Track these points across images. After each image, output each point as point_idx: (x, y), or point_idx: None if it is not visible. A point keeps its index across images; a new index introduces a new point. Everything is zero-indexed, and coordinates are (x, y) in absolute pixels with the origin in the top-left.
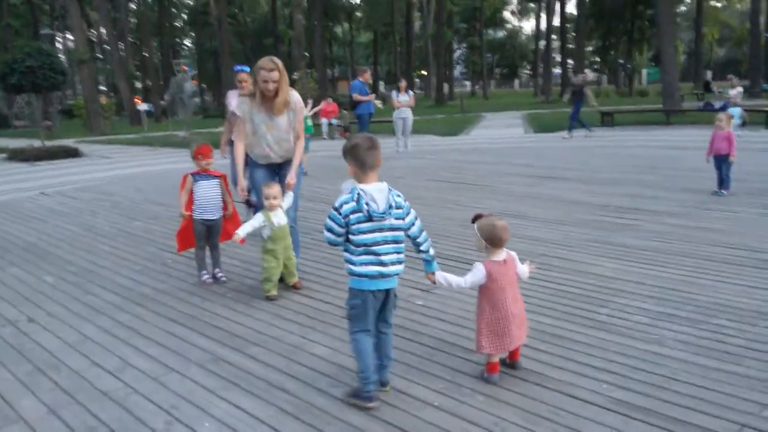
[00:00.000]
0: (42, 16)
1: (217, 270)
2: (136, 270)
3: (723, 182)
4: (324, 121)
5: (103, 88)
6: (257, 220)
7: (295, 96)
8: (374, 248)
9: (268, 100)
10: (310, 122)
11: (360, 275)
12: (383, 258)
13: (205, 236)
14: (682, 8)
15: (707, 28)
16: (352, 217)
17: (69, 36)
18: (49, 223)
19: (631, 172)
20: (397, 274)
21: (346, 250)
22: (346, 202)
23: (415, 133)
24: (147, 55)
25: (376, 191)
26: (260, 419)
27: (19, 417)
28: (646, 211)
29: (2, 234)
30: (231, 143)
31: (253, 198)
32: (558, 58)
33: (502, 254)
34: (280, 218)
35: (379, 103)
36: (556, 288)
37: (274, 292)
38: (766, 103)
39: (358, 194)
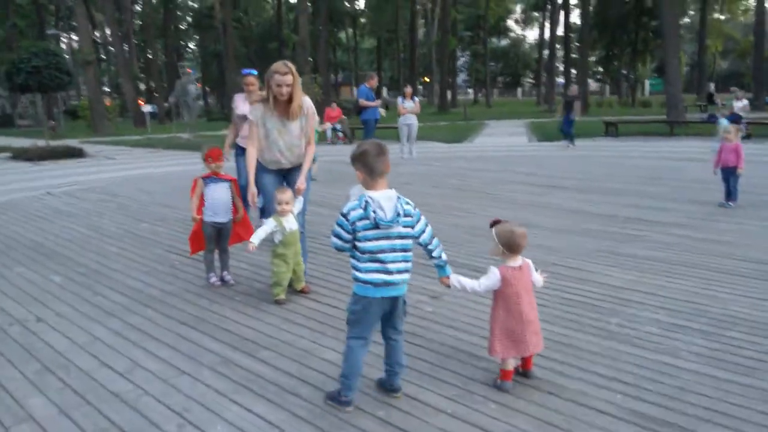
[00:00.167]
0: (48, 16)
1: (225, 273)
2: (144, 272)
3: (730, 194)
4: (328, 125)
5: (106, 89)
6: (269, 225)
7: (307, 101)
8: (380, 256)
9: (281, 105)
10: (318, 128)
11: (365, 282)
12: (389, 266)
13: (214, 239)
14: (686, 20)
15: (710, 40)
16: (359, 224)
17: (74, 36)
18: (56, 223)
19: (636, 182)
20: (403, 282)
21: (352, 256)
22: (354, 209)
23: (419, 139)
24: (151, 56)
25: (384, 199)
26: (273, 423)
27: (28, 416)
28: (654, 222)
29: (9, 233)
30: (236, 147)
31: (260, 203)
32: (561, 67)
33: (518, 260)
34: (291, 223)
35: (382, 111)
36: (565, 297)
37: (282, 296)
38: None
39: (366, 202)
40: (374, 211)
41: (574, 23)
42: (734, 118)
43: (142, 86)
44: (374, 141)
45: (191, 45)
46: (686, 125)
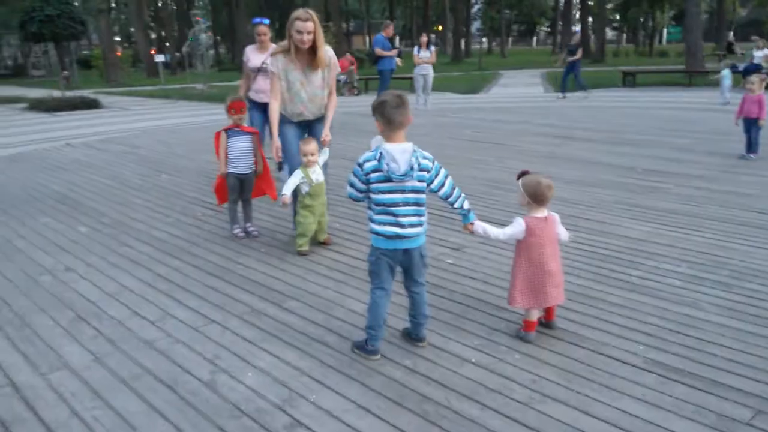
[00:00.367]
0: None
1: (248, 224)
2: (168, 222)
3: (751, 146)
4: (342, 76)
5: (117, 38)
6: (296, 177)
7: (329, 51)
8: (392, 209)
9: (302, 54)
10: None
11: (377, 233)
12: (401, 219)
13: (237, 189)
14: None
15: None
16: (372, 175)
17: None
18: (78, 174)
19: (655, 133)
20: (416, 236)
21: (368, 207)
22: (368, 160)
23: (434, 90)
24: (161, 5)
25: (399, 152)
26: (302, 371)
27: (64, 364)
28: (674, 174)
29: (32, 184)
30: (249, 101)
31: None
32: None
33: (543, 212)
34: (318, 175)
35: (399, 61)
36: (586, 250)
37: (306, 248)
38: None
39: (381, 153)
40: (387, 164)
41: None
42: (754, 68)
43: (153, 35)
44: (395, 92)
45: None
46: (705, 75)
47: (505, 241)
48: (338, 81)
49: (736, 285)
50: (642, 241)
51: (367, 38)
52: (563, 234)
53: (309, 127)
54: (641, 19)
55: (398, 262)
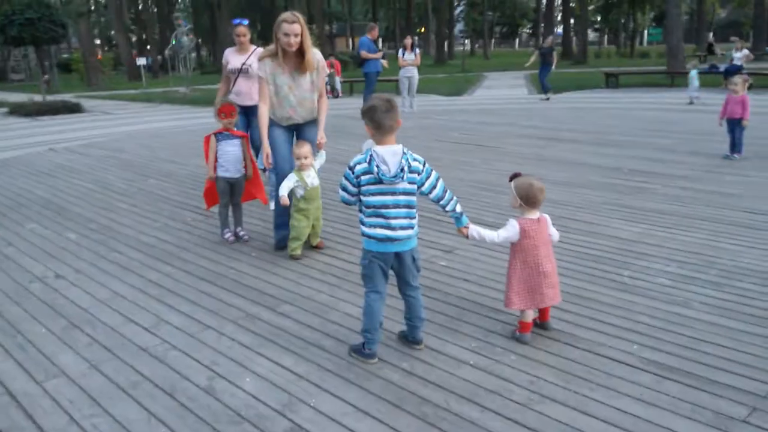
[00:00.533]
0: None
1: (239, 229)
2: (157, 228)
3: (735, 146)
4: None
5: (97, 41)
6: (291, 180)
7: (317, 54)
8: (383, 211)
9: (290, 57)
10: None
11: (369, 236)
12: (392, 222)
13: (228, 194)
14: None
15: None
16: (363, 178)
17: None
18: (63, 179)
19: (639, 134)
20: (407, 238)
21: (359, 211)
22: (359, 163)
23: (419, 92)
24: (142, 7)
25: (389, 154)
26: (300, 375)
27: (60, 371)
28: (659, 174)
29: (17, 190)
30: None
31: (260, 165)
32: (559, 17)
33: (536, 214)
34: (313, 178)
35: (384, 63)
36: (576, 250)
37: (299, 252)
38: None
39: (371, 156)
40: (377, 166)
41: None
42: (735, 69)
43: (134, 38)
44: (384, 96)
45: None
46: (687, 76)
47: (500, 243)
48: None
49: (726, 284)
50: (631, 242)
51: (350, 40)
52: (554, 235)
53: (298, 131)
54: (622, 21)
55: (390, 266)
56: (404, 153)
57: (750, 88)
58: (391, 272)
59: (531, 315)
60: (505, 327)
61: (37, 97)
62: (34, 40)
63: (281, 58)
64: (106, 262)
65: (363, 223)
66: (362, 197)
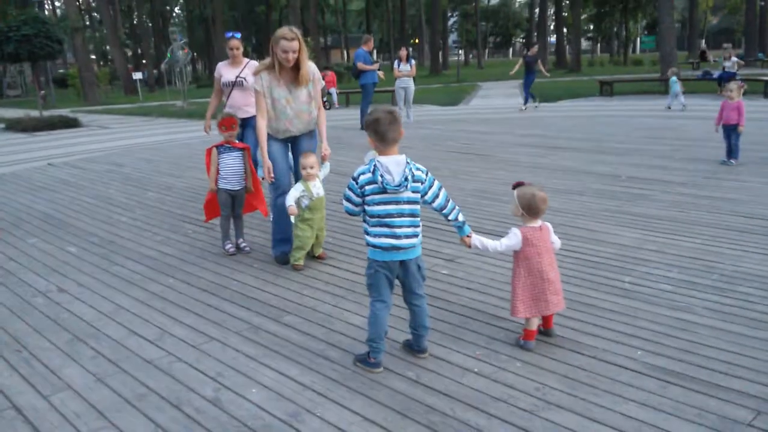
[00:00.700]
0: None
1: (240, 240)
2: (158, 241)
3: (732, 152)
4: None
5: (92, 56)
6: (297, 190)
7: (312, 67)
8: (387, 220)
9: (286, 72)
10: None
11: (374, 246)
12: (396, 230)
13: (230, 205)
14: None
15: None
16: (367, 188)
17: (57, 3)
18: (63, 194)
19: (635, 141)
20: (412, 246)
21: (364, 221)
22: (363, 173)
23: (415, 103)
24: (137, 22)
25: (393, 163)
26: (306, 386)
27: (66, 385)
28: (658, 180)
29: (17, 205)
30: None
31: (260, 174)
32: (552, 26)
33: (537, 222)
34: (318, 188)
35: (381, 74)
36: (578, 257)
37: (302, 262)
38: (762, 72)
39: (375, 166)
40: (382, 175)
41: None
42: (728, 76)
43: (129, 53)
44: (387, 109)
45: (176, 9)
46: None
47: (503, 252)
48: (329, 94)
49: (728, 289)
50: (632, 248)
51: (345, 52)
52: (556, 242)
53: (294, 143)
54: (615, 29)
55: (396, 275)
56: (407, 162)
57: (744, 93)
58: (396, 282)
59: (536, 323)
60: (508, 334)
61: (34, 113)
62: (30, 56)
63: (278, 72)
64: (109, 276)
65: (368, 233)
66: (366, 207)
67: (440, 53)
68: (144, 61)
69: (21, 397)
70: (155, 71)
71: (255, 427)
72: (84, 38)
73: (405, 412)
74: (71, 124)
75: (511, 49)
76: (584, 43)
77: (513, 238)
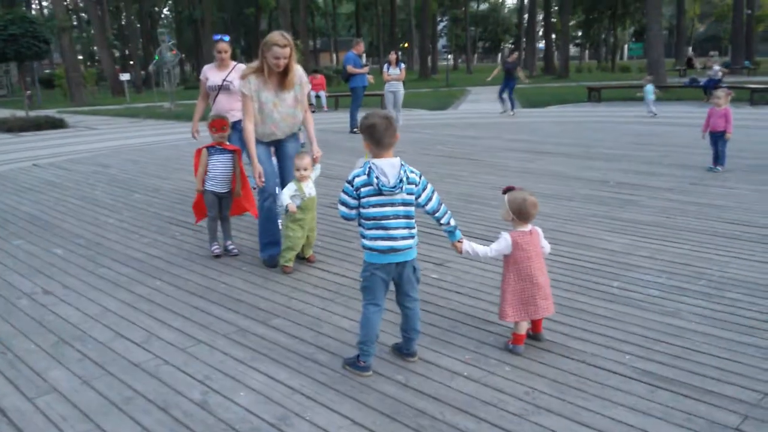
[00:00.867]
0: None
1: (228, 242)
2: (145, 243)
3: (718, 159)
4: (312, 94)
5: (79, 57)
6: (290, 190)
7: (299, 70)
8: (383, 222)
9: (275, 76)
10: None
11: (371, 249)
12: (393, 232)
13: (217, 207)
14: None
15: (689, 4)
16: (362, 190)
17: (44, 2)
18: (48, 195)
19: (623, 147)
20: (408, 248)
21: (359, 224)
22: (358, 176)
23: (404, 107)
24: (125, 23)
25: (388, 166)
26: (295, 389)
27: (51, 387)
28: (646, 186)
29: (2, 206)
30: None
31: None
32: (541, 32)
33: (527, 226)
34: (311, 189)
35: (370, 78)
36: (567, 262)
37: (291, 264)
38: (748, 79)
39: (370, 168)
40: (377, 177)
41: None
42: (714, 83)
43: (117, 54)
44: (383, 114)
45: (165, 11)
46: (667, 90)
47: (494, 257)
48: (318, 97)
49: (716, 294)
50: (621, 253)
51: (335, 55)
52: (546, 247)
53: (278, 146)
54: (603, 36)
55: (392, 277)
56: (402, 165)
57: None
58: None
59: (524, 327)
60: (498, 339)
61: (20, 113)
62: (17, 56)
63: (267, 76)
64: (95, 278)
65: (364, 236)
66: (362, 209)
67: (429, 57)
68: (132, 62)
69: (6, 399)
70: (143, 72)
71: (243, 431)
72: (71, 38)
73: (394, 415)
74: (57, 124)
75: (500, 55)
76: (572, 50)
77: (502, 243)
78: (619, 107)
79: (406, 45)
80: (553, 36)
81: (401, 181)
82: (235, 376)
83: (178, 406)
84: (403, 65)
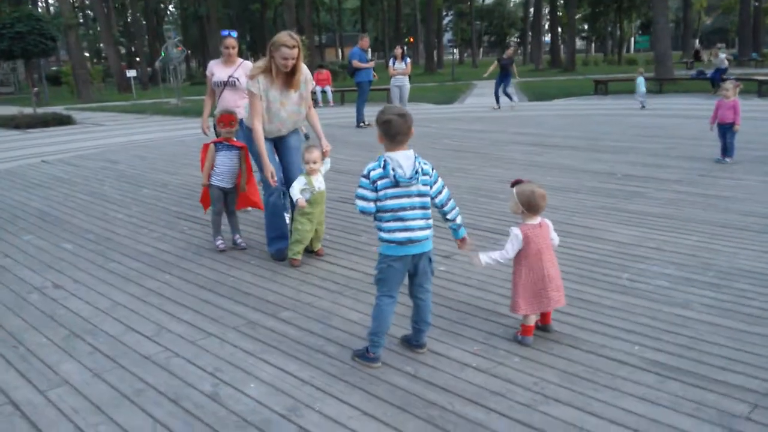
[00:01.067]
0: None
1: (236, 236)
2: (155, 237)
3: (727, 150)
4: (318, 89)
5: (86, 54)
6: (300, 183)
7: (304, 69)
8: (401, 214)
9: (282, 75)
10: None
11: (389, 241)
12: (410, 223)
13: (222, 200)
14: None
15: None
16: (379, 182)
17: (50, 0)
18: (57, 191)
19: (631, 140)
20: (426, 239)
21: (375, 218)
22: (374, 169)
23: (410, 101)
24: (131, 20)
25: (403, 158)
26: (305, 380)
27: (63, 380)
28: (654, 178)
29: (11, 202)
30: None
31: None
32: (547, 26)
33: (536, 219)
34: (320, 183)
35: (375, 75)
36: (575, 254)
37: (299, 257)
38: (756, 71)
39: (385, 161)
40: (393, 169)
41: None
42: (721, 73)
43: (123, 50)
44: (398, 111)
45: (171, 7)
46: (675, 82)
47: (512, 256)
48: (324, 92)
49: (725, 285)
50: (629, 245)
51: (340, 51)
52: (555, 239)
53: (280, 141)
54: (609, 29)
55: (408, 269)
56: (416, 156)
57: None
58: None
59: (533, 318)
60: (507, 330)
61: (28, 110)
62: (24, 54)
63: (274, 75)
64: (105, 272)
65: (381, 230)
66: (378, 202)
67: (435, 52)
68: (138, 59)
69: (18, 392)
70: (149, 69)
71: (254, 422)
72: (78, 36)
73: (404, 406)
74: (65, 121)
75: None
76: (579, 43)
77: (515, 241)
78: (626, 100)
79: (411, 40)
80: (559, 29)
81: (417, 172)
82: (245, 368)
83: (189, 398)
84: (408, 60)
